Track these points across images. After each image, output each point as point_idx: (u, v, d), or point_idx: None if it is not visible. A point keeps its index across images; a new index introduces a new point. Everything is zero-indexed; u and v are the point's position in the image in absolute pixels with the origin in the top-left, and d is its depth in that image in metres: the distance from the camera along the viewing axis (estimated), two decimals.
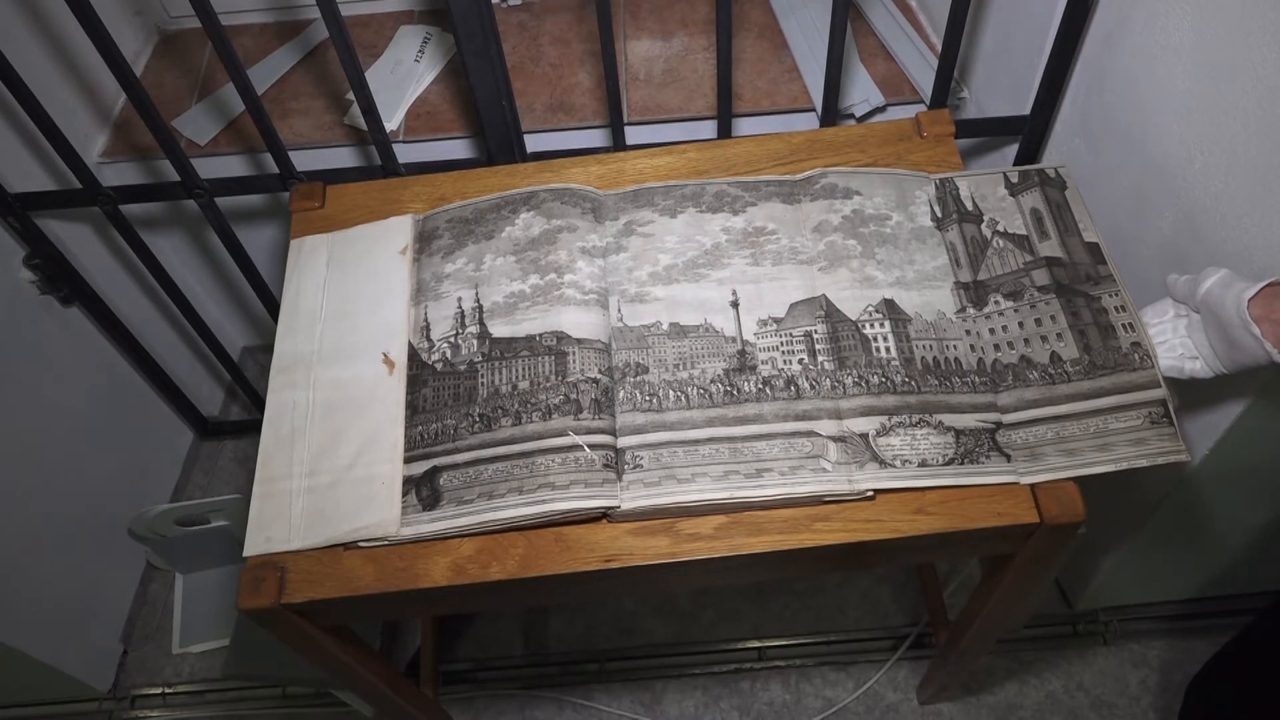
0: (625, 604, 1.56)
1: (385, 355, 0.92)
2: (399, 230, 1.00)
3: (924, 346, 0.87)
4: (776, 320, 0.90)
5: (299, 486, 0.85)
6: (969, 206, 0.95)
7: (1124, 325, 0.85)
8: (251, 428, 1.76)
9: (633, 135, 1.21)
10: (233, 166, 1.36)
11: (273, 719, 1.53)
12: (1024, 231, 0.92)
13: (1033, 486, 0.79)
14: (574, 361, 0.87)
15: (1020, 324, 0.87)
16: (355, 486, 0.84)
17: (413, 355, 0.91)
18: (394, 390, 0.89)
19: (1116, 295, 0.86)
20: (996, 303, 0.89)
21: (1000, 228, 0.93)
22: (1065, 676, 1.45)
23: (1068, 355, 0.84)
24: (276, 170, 1.17)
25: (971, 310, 0.89)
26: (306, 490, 0.85)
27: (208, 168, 1.24)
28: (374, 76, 1.35)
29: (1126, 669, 1.44)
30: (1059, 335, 0.86)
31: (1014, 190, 0.95)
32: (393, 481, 0.84)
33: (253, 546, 0.82)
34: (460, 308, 0.93)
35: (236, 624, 1.36)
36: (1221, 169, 0.88)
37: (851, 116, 1.28)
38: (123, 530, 1.54)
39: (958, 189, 0.96)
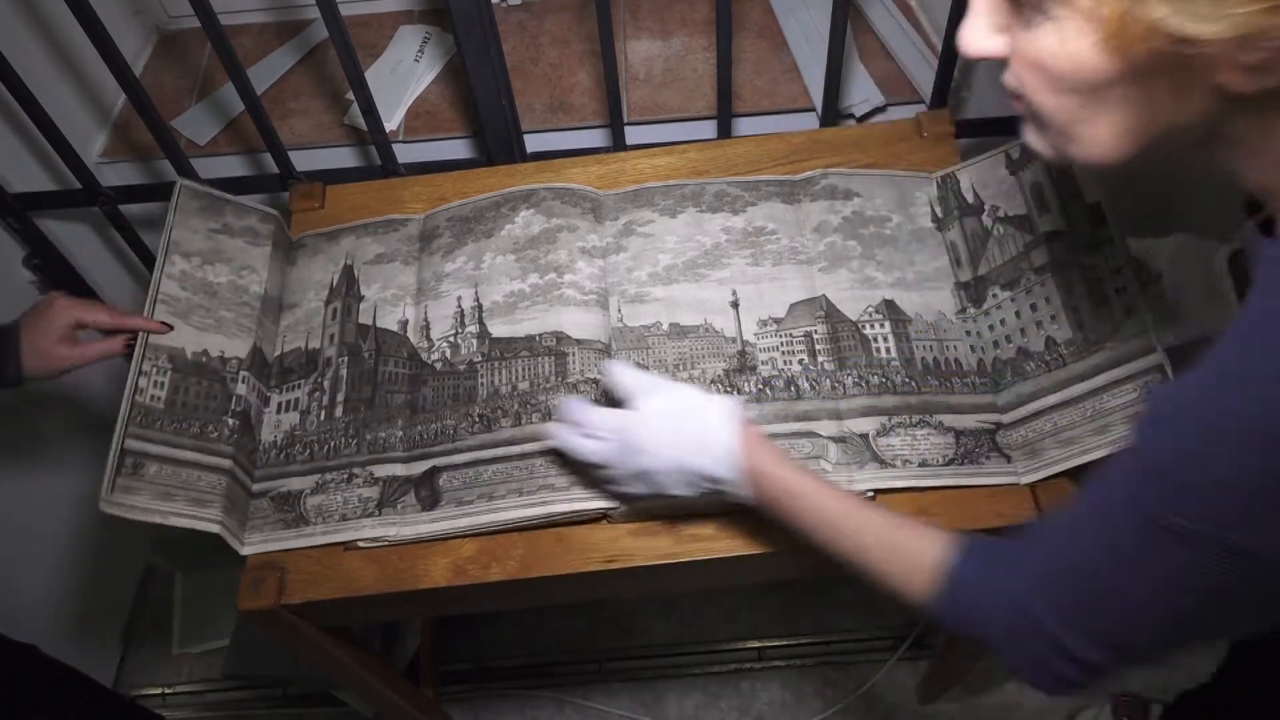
0: (625, 604, 1.56)
1: None
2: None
3: (924, 347, 0.87)
4: (776, 320, 0.89)
5: None
6: (970, 199, 0.95)
7: (1117, 289, 0.84)
8: None
9: (633, 135, 1.20)
10: (232, 166, 1.36)
11: (272, 719, 1.53)
12: (1024, 211, 0.92)
13: (1032, 486, 0.79)
14: (574, 362, 0.87)
15: (1017, 313, 0.87)
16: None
17: (412, 355, 0.91)
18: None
19: (1114, 257, 0.85)
20: (994, 296, 0.89)
21: (1001, 213, 0.93)
22: None
23: (1062, 337, 0.84)
24: (276, 170, 1.17)
25: (971, 309, 0.89)
26: None
27: (207, 168, 1.24)
28: (374, 76, 1.34)
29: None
30: (1053, 317, 0.85)
31: (1015, 168, 0.94)
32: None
33: (251, 545, 0.82)
34: (460, 307, 0.93)
35: (236, 624, 1.36)
36: None
37: (851, 116, 1.28)
38: (122, 530, 1.54)
39: (958, 183, 0.96)
